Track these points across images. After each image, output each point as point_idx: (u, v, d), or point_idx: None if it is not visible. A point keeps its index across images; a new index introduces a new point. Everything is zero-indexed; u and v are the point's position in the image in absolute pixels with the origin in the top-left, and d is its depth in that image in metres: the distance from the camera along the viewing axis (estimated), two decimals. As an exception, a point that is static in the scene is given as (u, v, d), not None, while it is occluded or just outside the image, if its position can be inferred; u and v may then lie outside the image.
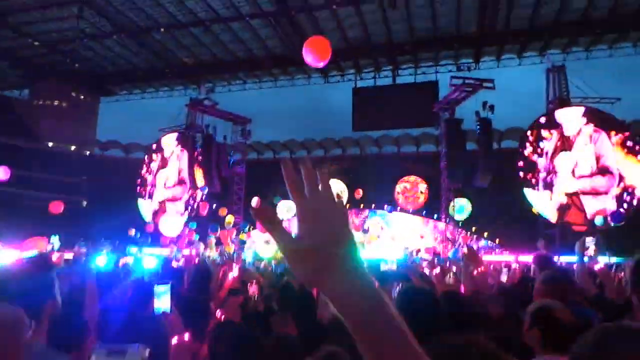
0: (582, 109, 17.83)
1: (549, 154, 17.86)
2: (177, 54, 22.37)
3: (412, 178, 21.76)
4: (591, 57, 20.89)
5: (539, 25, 18.71)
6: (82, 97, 26.83)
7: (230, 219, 17.65)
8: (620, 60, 21.95)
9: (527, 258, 8.92)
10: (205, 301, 3.62)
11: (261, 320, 3.08)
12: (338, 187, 20.32)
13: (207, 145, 21.12)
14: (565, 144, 17.69)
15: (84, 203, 24.40)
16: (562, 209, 16.97)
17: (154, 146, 23.74)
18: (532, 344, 1.99)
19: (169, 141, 23.08)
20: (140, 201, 22.54)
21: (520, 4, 17.35)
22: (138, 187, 22.86)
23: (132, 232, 16.89)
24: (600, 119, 17.57)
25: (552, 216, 17.22)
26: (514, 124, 23.38)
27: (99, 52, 22.59)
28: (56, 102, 26.60)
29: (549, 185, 17.61)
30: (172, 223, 19.31)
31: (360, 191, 19.11)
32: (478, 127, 18.46)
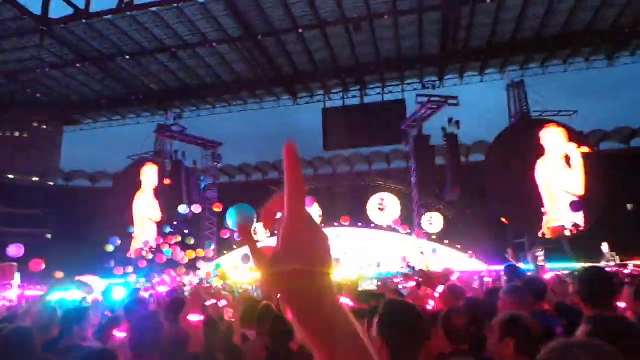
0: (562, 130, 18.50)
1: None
2: (143, 80, 22.16)
3: (385, 194, 22.03)
4: (547, 73, 21.94)
5: (498, 43, 19.57)
6: (44, 127, 26.08)
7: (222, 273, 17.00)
8: (575, 75, 23.11)
9: (498, 267, 9.11)
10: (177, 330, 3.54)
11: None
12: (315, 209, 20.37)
13: (176, 171, 20.85)
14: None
15: (49, 236, 23.47)
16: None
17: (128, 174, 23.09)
18: (505, 353, 2.04)
19: (147, 171, 22.44)
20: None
21: (478, 24, 18.14)
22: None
23: (112, 263, 16.22)
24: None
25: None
26: (479, 138, 24.17)
27: (61, 81, 22.13)
28: (17, 133, 25.74)
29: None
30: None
31: (348, 218, 19.23)
32: (445, 142, 19.00)
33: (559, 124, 18.71)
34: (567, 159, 18.01)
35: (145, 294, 6.97)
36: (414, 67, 21.50)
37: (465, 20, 17.79)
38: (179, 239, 17.91)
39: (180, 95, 23.27)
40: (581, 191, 17.52)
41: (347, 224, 19.50)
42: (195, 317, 3.26)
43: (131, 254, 18.28)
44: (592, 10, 17.43)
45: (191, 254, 16.82)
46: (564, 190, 17.76)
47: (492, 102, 23.65)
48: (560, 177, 17.94)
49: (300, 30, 18.26)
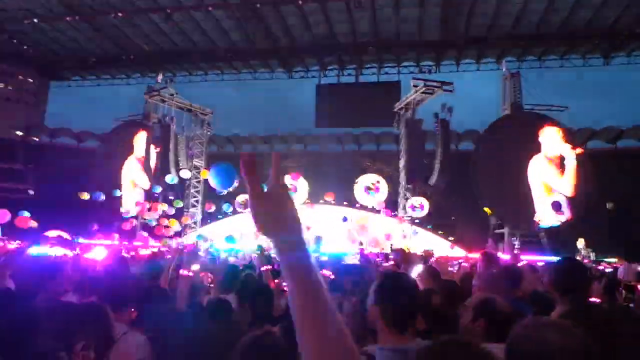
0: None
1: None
2: (135, 40, 21.59)
3: (373, 175, 22.08)
4: (544, 67, 21.97)
5: (497, 33, 19.46)
6: (30, 80, 25.37)
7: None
8: (569, 72, 23.18)
9: (477, 255, 9.29)
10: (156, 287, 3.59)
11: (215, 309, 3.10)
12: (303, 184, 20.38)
13: (164, 136, 20.57)
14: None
15: (31, 192, 23.14)
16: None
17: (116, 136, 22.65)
18: (476, 335, 2.09)
19: (139, 136, 22.04)
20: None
21: (479, 13, 17.98)
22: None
23: (94, 226, 16.00)
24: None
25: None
26: (471, 127, 24.25)
27: (50, 34, 21.42)
28: (1, 85, 25.03)
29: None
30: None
31: (332, 194, 19.29)
32: (437, 128, 19.03)
33: (556, 123, 18.83)
34: (561, 159, 18.21)
35: (126, 255, 6.96)
36: (412, 49, 21.32)
37: (467, 7, 17.60)
38: (165, 207, 17.79)
39: (173, 58, 22.77)
40: (570, 193, 17.80)
41: (331, 199, 19.55)
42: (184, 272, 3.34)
43: (125, 213, 18.19)
44: (593, 9, 17.39)
45: (173, 223, 16.74)
46: (555, 189, 18.00)
47: (487, 92, 23.66)
48: (552, 177, 18.16)
49: (300, 2, 17.88)
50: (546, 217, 17.70)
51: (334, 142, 27.04)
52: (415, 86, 18.90)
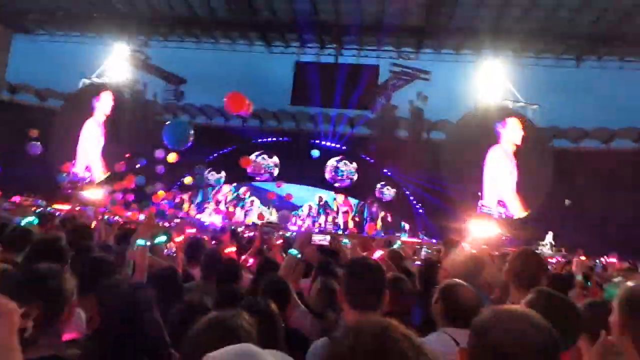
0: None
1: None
2: (109, -2, 20.56)
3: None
4: (520, 64, 22.36)
5: (478, 27, 19.61)
6: (-8, 30, 23.84)
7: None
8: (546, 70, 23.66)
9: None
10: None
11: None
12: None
13: (135, 103, 19.92)
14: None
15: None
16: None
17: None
18: (436, 317, 2.20)
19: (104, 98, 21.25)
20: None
21: (464, 3, 18.05)
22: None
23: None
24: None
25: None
26: (444, 117, 24.57)
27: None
28: (-41, 32, 23.43)
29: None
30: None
31: (283, 184, 19.47)
32: (410, 115, 19.28)
33: (520, 118, 19.39)
34: (516, 152, 18.88)
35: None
36: (393, 34, 21.22)
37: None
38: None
39: (148, 21, 21.84)
40: (514, 187, 18.64)
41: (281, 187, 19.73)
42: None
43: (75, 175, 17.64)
44: (571, 10, 17.82)
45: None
46: (504, 180, 18.71)
47: (463, 84, 23.92)
48: (503, 168, 18.84)
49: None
50: (491, 206, 18.51)
51: (308, 121, 26.86)
52: (393, 72, 18.96)
